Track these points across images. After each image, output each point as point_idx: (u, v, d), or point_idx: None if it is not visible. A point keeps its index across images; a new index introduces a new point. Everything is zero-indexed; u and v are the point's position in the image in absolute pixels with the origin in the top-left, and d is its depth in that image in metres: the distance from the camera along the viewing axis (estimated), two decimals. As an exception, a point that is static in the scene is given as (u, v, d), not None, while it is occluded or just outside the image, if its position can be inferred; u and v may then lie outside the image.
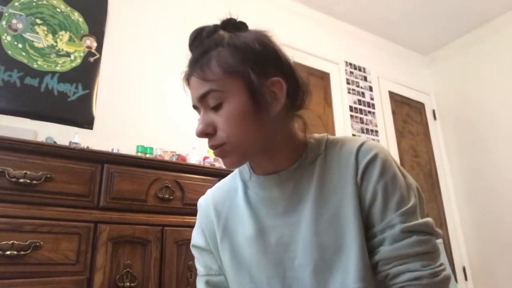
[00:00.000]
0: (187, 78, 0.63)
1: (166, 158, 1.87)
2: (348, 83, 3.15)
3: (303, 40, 2.99)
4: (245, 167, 0.71)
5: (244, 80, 0.59)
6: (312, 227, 0.60)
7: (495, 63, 3.24)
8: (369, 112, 3.18)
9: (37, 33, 1.90)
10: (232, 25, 0.64)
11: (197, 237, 0.76)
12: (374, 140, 2.95)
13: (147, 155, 1.84)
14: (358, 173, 0.60)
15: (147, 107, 2.13)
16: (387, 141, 3.16)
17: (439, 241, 0.62)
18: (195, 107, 0.63)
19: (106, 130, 1.95)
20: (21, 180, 1.23)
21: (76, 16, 2.04)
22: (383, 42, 3.55)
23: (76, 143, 1.66)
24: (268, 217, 0.65)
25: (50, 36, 1.93)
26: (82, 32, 2.04)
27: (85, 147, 1.61)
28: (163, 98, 2.19)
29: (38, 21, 1.92)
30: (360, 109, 3.13)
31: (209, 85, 0.59)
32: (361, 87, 3.23)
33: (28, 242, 1.20)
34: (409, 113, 3.51)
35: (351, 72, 3.21)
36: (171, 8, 2.41)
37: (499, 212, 3.03)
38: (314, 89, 2.91)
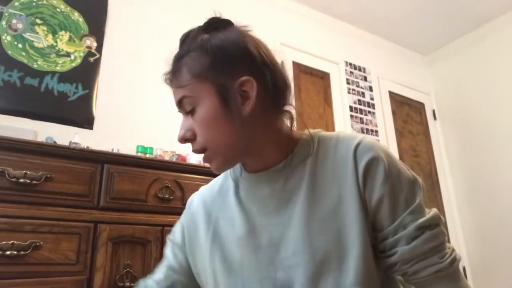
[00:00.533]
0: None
1: (166, 158, 1.87)
2: (348, 83, 3.15)
3: (303, 40, 2.99)
4: (237, 165, 0.70)
5: (213, 83, 0.59)
6: (304, 226, 0.59)
7: (495, 63, 3.24)
8: (369, 112, 3.18)
9: (37, 33, 1.90)
10: (213, 26, 0.63)
11: (176, 233, 0.76)
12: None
13: (147, 155, 1.84)
14: (359, 174, 0.59)
15: (147, 107, 2.13)
16: (387, 141, 3.16)
17: None
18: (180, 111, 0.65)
19: (106, 130, 1.95)
20: (21, 180, 1.24)
21: (76, 16, 2.04)
22: (383, 42, 3.55)
23: (76, 143, 1.66)
24: (259, 216, 0.64)
25: (50, 36, 1.93)
26: (82, 32, 2.04)
27: (85, 147, 1.62)
28: (163, 98, 2.18)
29: (38, 21, 1.92)
30: (360, 109, 3.13)
31: (182, 91, 0.60)
32: (361, 87, 3.23)
33: (28, 242, 1.20)
34: (409, 113, 3.52)
35: (351, 72, 3.21)
36: (171, 8, 2.41)
37: (499, 212, 3.03)
38: (314, 89, 2.93)
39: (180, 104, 0.62)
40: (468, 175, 3.32)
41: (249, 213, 0.65)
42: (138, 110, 2.09)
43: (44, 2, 1.96)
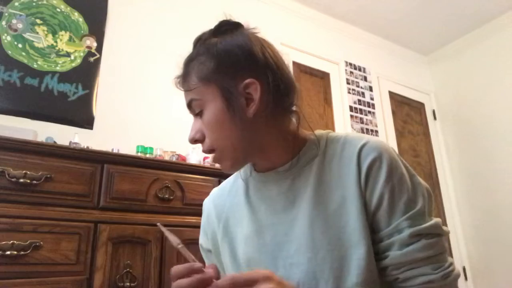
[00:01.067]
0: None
1: (166, 158, 1.87)
2: (348, 83, 3.15)
3: (303, 40, 2.99)
4: (247, 165, 0.71)
5: (218, 87, 0.61)
6: (307, 225, 0.59)
7: (495, 63, 3.24)
8: (369, 112, 3.18)
9: (37, 33, 1.90)
10: (223, 29, 0.65)
11: (201, 238, 0.78)
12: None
13: (147, 155, 1.84)
14: (361, 175, 0.59)
15: (147, 107, 2.13)
16: (387, 141, 3.16)
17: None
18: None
19: (106, 130, 1.95)
20: (21, 180, 1.23)
21: (76, 16, 2.04)
22: (383, 42, 3.55)
23: (76, 143, 1.66)
24: (267, 215, 0.65)
25: (50, 36, 1.93)
26: (82, 32, 2.04)
27: (85, 147, 1.62)
28: (163, 98, 2.19)
29: (38, 21, 1.92)
30: (360, 109, 3.13)
31: (190, 94, 0.63)
32: (361, 87, 3.23)
33: (28, 242, 1.20)
34: (409, 113, 3.52)
35: (351, 72, 3.21)
36: (171, 7, 2.41)
37: (499, 212, 3.03)
38: (314, 89, 2.93)
39: (189, 106, 0.64)
40: (468, 175, 3.32)
41: (257, 212, 0.67)
42: (138, 110, 2.09)
43: (44, 2, 1.96)
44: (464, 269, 3.16)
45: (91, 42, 2.04)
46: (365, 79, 3.29)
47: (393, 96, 3.44)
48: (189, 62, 0.64)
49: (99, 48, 2.06)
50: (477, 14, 3.20)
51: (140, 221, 1.43)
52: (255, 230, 0.65)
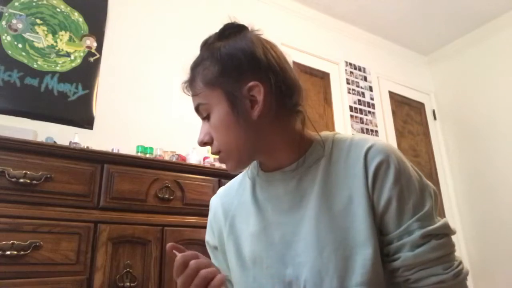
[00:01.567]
0: None
1: (166, 158, 1.87)
2: (348, 83, 3.15)
3: (303, 40, 2.99)
4: (254, 164, 0.72)
5: (223, 90, 0.62)
6: (314, 224, 0.60)
7: (495, 63, 3.24)
8: (369, 112, 3.18)
9: (37, 33, 1.90)
10: (226, 33, 0.66)
11: (208, 236, 0.80)
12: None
13: (147, 155, 1.84)
14: (369, 176, 0.59)
15: (147, 107, 2.13)
16: (387, 141, 3.15)
17: None
18: None
19: (106, 130, 1.95)
20: (21, 180, 1.23)
21: (76, 16, 2.04)
22: (383, 42, 3.55)
23: (76, 143, 1.66)
24: (273, 214, 0.66)
25: (50, 36, 1.93)
26: (82, 32, 2.04)
27: (85, 147, 1.62)
28: (163, 98, 2.19)
29: (38, 21, 1.92)
30: (360, 109, 3.13)
31: (197, 99, 0.65)
32: (361, 87, 3.23)
33: (28, 242, 1.20)
34: (409, 113, 3.52)
35: (351, 72, 3.21)
36: (171, 7, 2.41)
37: (499, 212, 3.03)
38: (314, 89, 2.93)
39: (197, 110, 0.66)
40: (468, 175, 3.32)
41: (264, 211, 0.67)
42: (138, 110, 2.09)
43: (44, 2, 1.96)
44: (464, 269, 3.16)
45: (91, 42, 2.04)
46: (365, 79, 3.29)
47: (393, 96, 3.44)
48: (195, 67, 0.66)
49: (99, 48, 2.06)
50: (477, 14, 3.20)
51: (140, 221, 1.43)
52: (262, 228, 0.66)
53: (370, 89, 3.28)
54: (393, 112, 3.37)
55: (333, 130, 2.89)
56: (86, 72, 1.98)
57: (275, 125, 0.64)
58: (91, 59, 2.02)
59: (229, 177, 0.81)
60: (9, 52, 1.80)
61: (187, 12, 2.42)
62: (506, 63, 3.15)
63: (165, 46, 2.28)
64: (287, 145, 0.65)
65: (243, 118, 0.61)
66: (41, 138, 1.67)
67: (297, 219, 0.63)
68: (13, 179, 1.22)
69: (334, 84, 3.07)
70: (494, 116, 3.16)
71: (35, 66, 1.85)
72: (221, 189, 0.81)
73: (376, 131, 3.14)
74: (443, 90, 3.68)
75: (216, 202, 0.79)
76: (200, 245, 1.37)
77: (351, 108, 3.07)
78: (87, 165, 1.39)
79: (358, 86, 3.21)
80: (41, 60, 1.88)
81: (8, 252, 1.15)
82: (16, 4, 1.88)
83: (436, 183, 3.38)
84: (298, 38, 2.95)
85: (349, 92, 3.12)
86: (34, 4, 1.93)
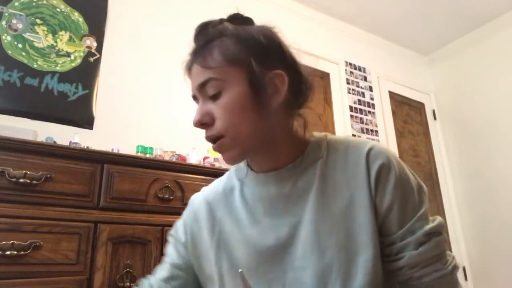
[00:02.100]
0: (189, 68, 0.63)
1: (166, 158, 1.87)
2: (348, 83, 3.15)
3: (303, 40, 2.98)
4: (242, 165, 0.70)
5: (246, 70, 0.58)
6: (313, 228, 0.59)
7: (495, 63, 3.24)
8: (369, 112, 3.18)
9: (37, 33, 1.90)
10: (238, 19, 0.64)
11: (178, 230, 0.74)
12: (374, 140, 2.95)
13: (147, 155, 1.84)
14: (371, 179, 0.59)
15: (147, 107, 2.13)
16: (387, 141, 3.16)
17: None
18: (194, 97, 0.63)
19: (106, 130, 1.95)
20: (21, 180, 1.23)
21: (76, 16, 2.04)
22: (383, 42, 3.55)
23: (76, 143, 1.66)
24: (266, 216, 0.63)
25: (50, 36, 1.93)
26: (82, 32, 2.04)
27: (85, 147, 1.62)
28: (163, 98, 2.19)
29: (38, 21, 1.92)
30: (360, 109, 3.13)
31: (209, 73, 0.58)
32: (361, 87, 3.23)
33: (28, 242, 1.20)
34: (409, 113, 3.52)
35: (351, 72, 3.21)
36: (171, 7, 2.41)
37: (499, 212, 3.03)
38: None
39: (203, 86, 0.59)
40: (468, 175, 3.32)
41: (255, 213, 0.65)
42: (138, 110, 2.09)
43: (44, 2, 1.96)
44: (464, 269, 3.16)
45: (91, 42, 2.04)
46: (365, 79, 3.29)
47: (393, 96, 3.44)
48: (210, 40, 0.60)
49: (99, 48, 2.06)
50: (477, 14, 3.20)
51: (140, 221, 1.43)
52: (254, 232, 0.63)
53: (370, 89, 3.28)
54: (393, 112, 3.37)
55: (333, 130, 2.89)
56: (86, 72, 1.98)
57: (284, 121, 0.63)
58: (91, 59, 2.02)
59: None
60: (9, 52, 1.80)
61: (187, 12, 2.42)
62: (506, 63, 3.15)
63: (165, 46, 2.27)
64: (290, 144, 0.64)
65: (263, 104, 0.58)
66: (41, 138, 1.67)
67: (294, 221, 0.61)
68: (13, 179, 1.22)
69: (334, 84, 3.07)
70: (494, 116, 3.16)
71: (35, 66, 1.85)
72: (206, 188, 0.76)
73: (376, 131, 3.14)
74: (443, 90, 3.68)
75: (199, 202, 0.73)
76: (200, 245, 1.37)
77: (351, 108, 3.07)
78: (87, 165, 1.39)
79: (358, 86, 3.21)
80: (41, 60, 1.87)
81: (8, 252, 1.15)
82: (16, 4, 1.88)
83: (436, 183, 3.38)
84: (298, 38, 2.95)
85: (349, 92, 3.12)
86: (34, 4, 1.93)
